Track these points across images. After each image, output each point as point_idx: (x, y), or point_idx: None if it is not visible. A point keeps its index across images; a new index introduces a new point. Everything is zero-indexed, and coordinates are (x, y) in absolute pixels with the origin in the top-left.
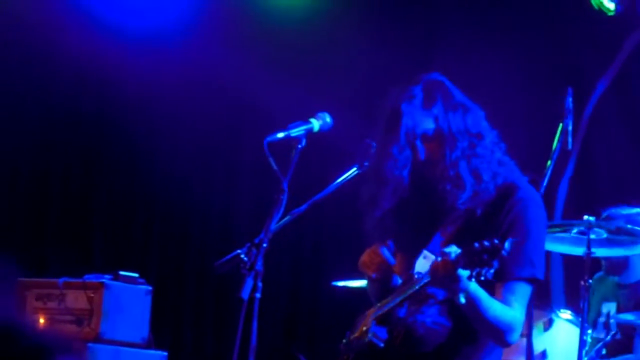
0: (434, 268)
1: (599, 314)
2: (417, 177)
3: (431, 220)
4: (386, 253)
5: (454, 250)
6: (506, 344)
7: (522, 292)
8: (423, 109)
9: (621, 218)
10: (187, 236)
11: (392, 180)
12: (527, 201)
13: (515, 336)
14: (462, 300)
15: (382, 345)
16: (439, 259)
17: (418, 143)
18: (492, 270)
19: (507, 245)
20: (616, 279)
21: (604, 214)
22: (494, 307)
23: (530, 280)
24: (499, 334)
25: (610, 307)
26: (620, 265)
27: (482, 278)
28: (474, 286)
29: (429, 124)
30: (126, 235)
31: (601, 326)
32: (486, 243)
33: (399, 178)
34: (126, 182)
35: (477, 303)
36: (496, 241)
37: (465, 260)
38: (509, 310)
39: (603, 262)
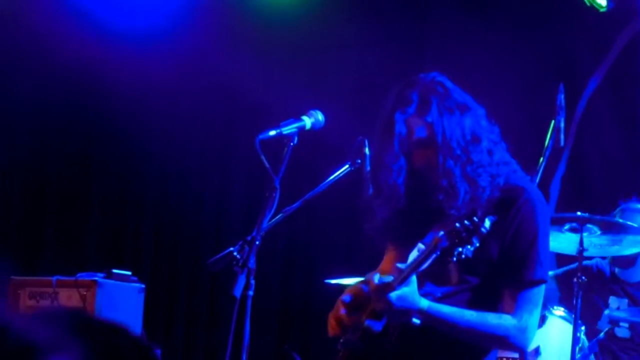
0: (369, 290)
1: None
2: (414, 183)
3: (430, 219)
4: (345, 303)
5: (401, 266)
6: (515, 349)
7: (532, 296)
8: (417, 116)
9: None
10: (180, 234)
11: (387, 189)
12: (534, 202)
13: (521, 340)
14: (416, 321)
15: (377, 332)
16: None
17: (412, 151)
18: (471, 248)
19: (487, 223)
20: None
21: (620, 207)
22: (466, 318)
23: (540, 282)
24: (494, 342)
25: (621, 303)
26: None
27: (463, 257)
28: (425, 303)
29: (422, 132)
30: (119, 234)
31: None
32: (466, 222)
33: (393, 187)
34: (120, 180)
35: (442, 318)
36: (476, 219)
37: (447, 242)
38: (495, 318)
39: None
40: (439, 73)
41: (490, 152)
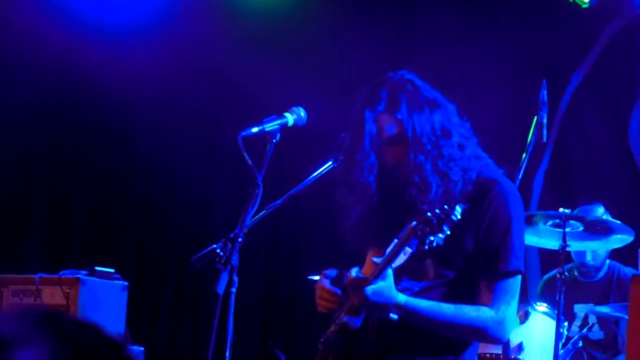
0: (346, 284)
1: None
2: (386, 180)
3: (403, 215)
4: (327, 284)
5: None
6: (493, 341)
7: (508, 287)
8: (387, 113)
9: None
10: (164, 232)
11: (359, 186)
12: (507, 194)
13: (499, 332)
14: (394, 316)
15: (355, 328)
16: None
17: (383, 148)
18: (442, 236)
19: (457, 210)
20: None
21: (579, 208)
22: (443, 311)
23: (516, 273)
24: (473, 335)
25: (587, 308)
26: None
27: (435, 245)
28: (403, 298)
29: (392, 129)
30: (103, 231)
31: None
32: (437, 210)
33: (365, 184)
34: (104, 177)
35: (420, 312)
36: (446, 207)
37: (419, 231)
38: (472, 310)
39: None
40: (407, 71)
41: (461, 147)
